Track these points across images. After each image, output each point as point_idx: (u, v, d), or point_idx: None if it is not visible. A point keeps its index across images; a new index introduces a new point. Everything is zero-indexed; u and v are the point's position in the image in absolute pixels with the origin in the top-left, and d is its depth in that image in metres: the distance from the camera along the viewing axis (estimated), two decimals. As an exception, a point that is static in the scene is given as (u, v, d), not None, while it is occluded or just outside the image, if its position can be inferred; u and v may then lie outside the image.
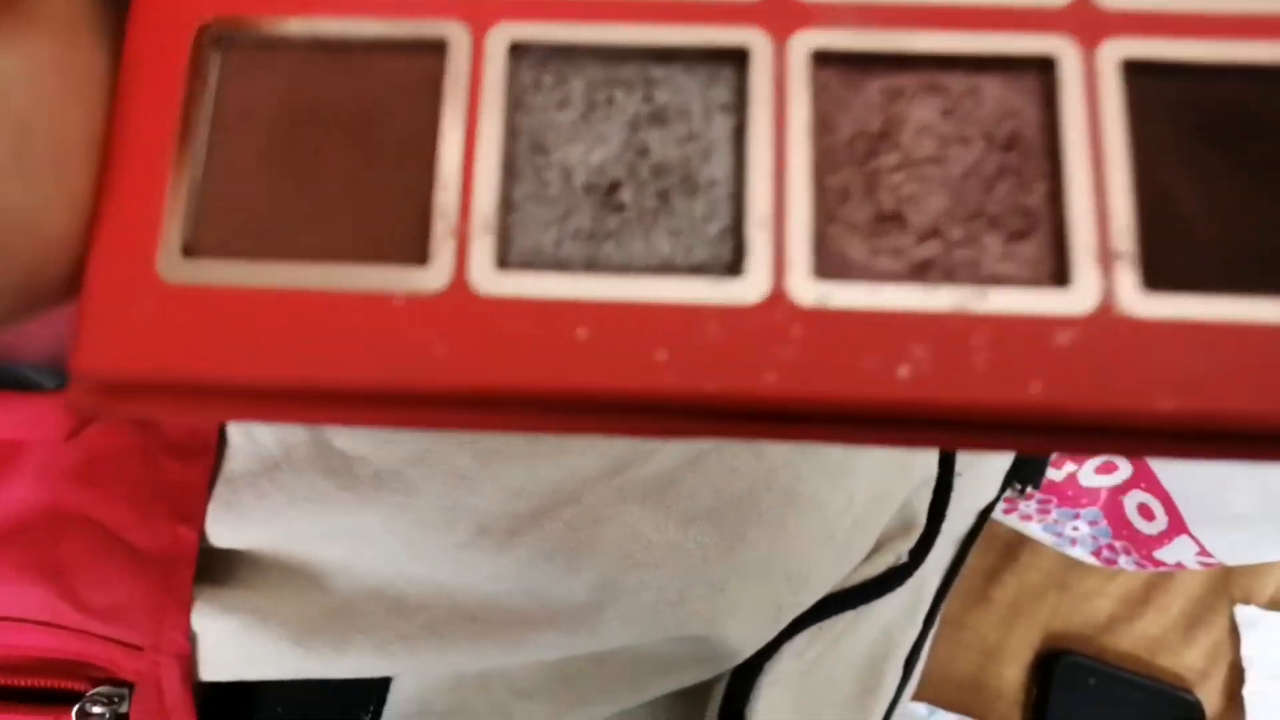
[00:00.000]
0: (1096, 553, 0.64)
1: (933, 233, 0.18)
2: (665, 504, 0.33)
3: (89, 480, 0.29)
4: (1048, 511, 0.62)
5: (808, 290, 0.17)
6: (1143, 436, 0.17)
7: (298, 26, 0.19)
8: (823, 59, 0.18)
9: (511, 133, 0.18)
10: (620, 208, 0.18)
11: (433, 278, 0.17)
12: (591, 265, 0.18)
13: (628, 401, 0.17)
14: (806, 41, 0.18)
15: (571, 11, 0.19)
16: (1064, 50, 0.18)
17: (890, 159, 0.18)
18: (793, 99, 0.18)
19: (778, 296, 0.17)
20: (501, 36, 0.18)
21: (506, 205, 0.18)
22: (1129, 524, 0.62)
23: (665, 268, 0.18)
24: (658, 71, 0.19)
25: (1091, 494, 0.63)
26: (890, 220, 0.18)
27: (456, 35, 0.18)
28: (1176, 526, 0.59)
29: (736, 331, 0.17)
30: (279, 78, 0.19)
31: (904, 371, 0.17)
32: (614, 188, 0.18)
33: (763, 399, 0.17)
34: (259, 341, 0.17)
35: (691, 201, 0.18)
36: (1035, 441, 0.17)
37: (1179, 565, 0.62)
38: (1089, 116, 0.18)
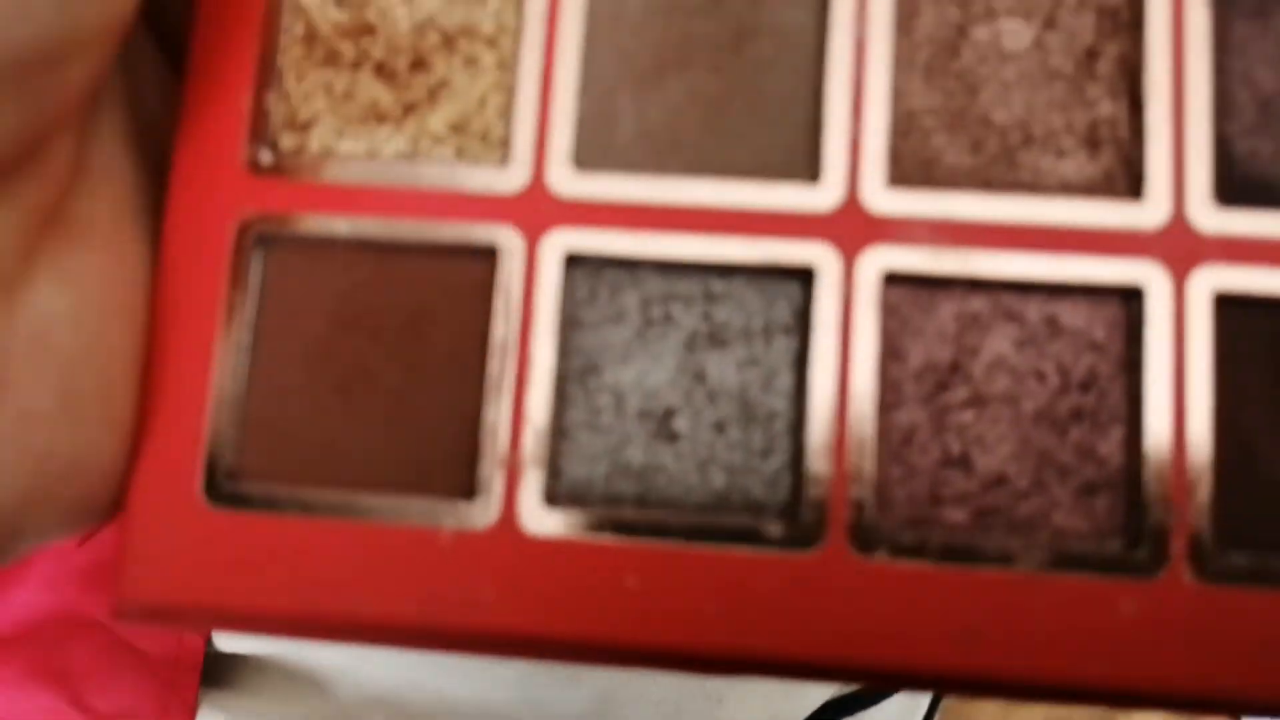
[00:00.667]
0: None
1: (999, 480, 0.17)
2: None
3: (98, 584, 0.29)
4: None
5: (871, 550, 0.17)
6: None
7: (344, 226, 0.18)
8: (893, 279, 0.17)
9: (564, 351, 0.18)
10: (674, 438, 0.17)
11: (480, 514, 0.17)
12: (643, 502, 0.17)
13: (675, 653, 0.17)
14: (877, 260, 0.17)
15: (630, 220, 0.18)
16: (1153, 278, 0.17)
17: (960, 393, 0.17)
18: (859, 323, 0.17)
19: (837, 551, 0.17)
20: (556, 245, 0.18)
21: (557, 433, 0.17)
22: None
23: (720, 506, 0.17)
24: (718, 285, 0.18)
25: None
26: (957, 465, 0.17)
27: (509, 242, 0.18)
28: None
29: (795, 585, 0.17)
30: (323, 279, 0.18)
31: (957, 634, 0.16)
32: (668, 415, 0.17)
33: (810, 655, 0.16)
34: (303, 573, 0.17)
35: (749, 434, 0.17)
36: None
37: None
38: (1175, 355, 0.17)
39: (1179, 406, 0.17)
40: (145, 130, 0.19)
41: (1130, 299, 0.17)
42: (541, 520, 0.17)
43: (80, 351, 0.16)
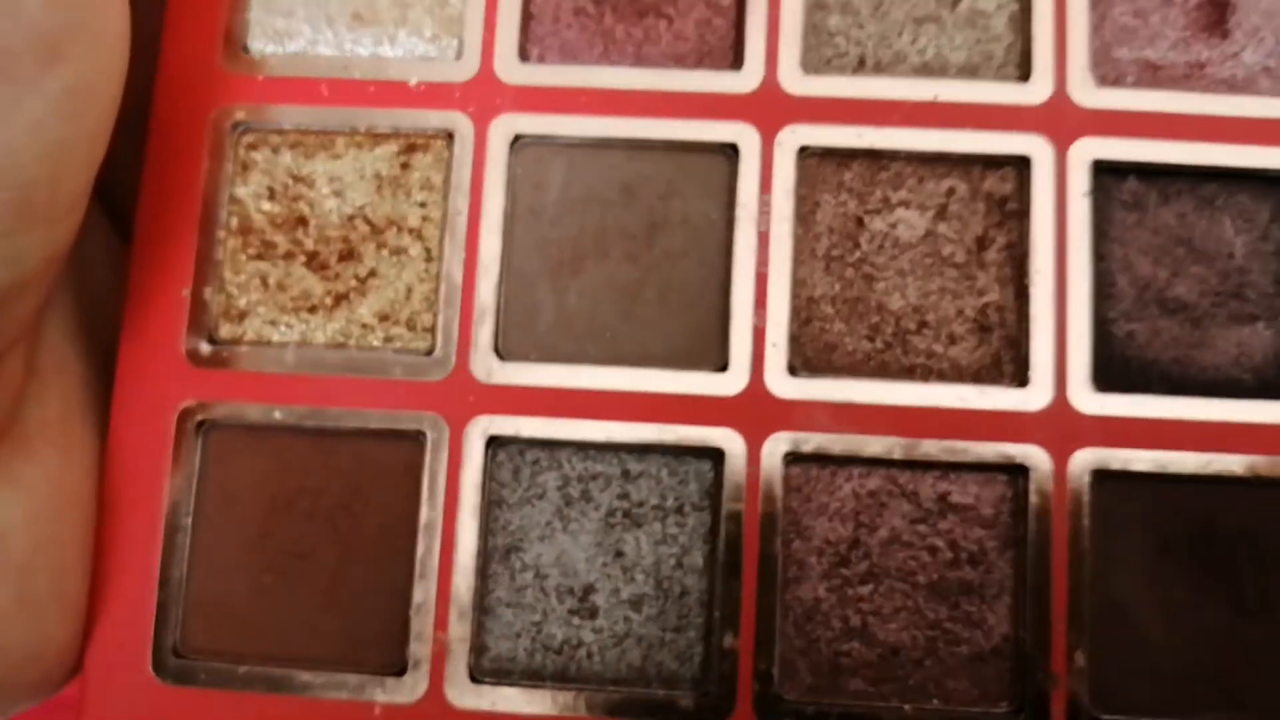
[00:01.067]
0: None
1: (895, 651, 0.18)
2: None
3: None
4: None
5: (775, 718, 0.18)
6: None
7: (279, 413, 0.19)
8: (795, 459, 0.19)
9: (487, 531, 0.19)
10: (593, 614, 0.19)
11: (409, 690, 0.18)
12: (564, 677, 0.18)
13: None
14: (780, 442, 0.19)
15: (551, 405, 0.19)
16: (1037, 458, 0.18)
17: (859, 568, 0.19)
18: (765, 504, 0.19)
19: (742, 722, 0.18)
20: (479, 429, 0.19)
21: (481, 611, 0.19)
22: None
23: (640, 679, 0.18)
24: (634, 465, 0.19)
25: None
26: (856, 634, 0.18)
27: (436, 427, 0.19)
28: None
29: (702, 755, 0.18)
30: (261, 462, 0.19)
31: (861, 801, 0.18)
32: (588, 592, 0.19)
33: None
34: (242, 750, 0.18)
35: (664, 609, 0.19)
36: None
37: None
38: (1055, 531, 0.18)
39: (1059, 578, 0.18)
40: (94, 310, 0.20)
41: (1017, 477, 0.19)
42: (467, 696, 0.18)
43: (34, 553, 0.17)
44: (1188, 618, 0.18)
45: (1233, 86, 0.20)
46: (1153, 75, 0.20)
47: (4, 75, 0.14)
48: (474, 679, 0.18)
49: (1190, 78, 0.20)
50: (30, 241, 0.16)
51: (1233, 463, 0.18)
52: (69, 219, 0.16)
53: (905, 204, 0.19)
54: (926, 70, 0.20)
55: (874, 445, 0.19)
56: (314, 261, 0.19)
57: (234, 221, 0.20)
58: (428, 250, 0.19)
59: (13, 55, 0.14)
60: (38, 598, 0.17)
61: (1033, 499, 0.18)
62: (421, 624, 0.18)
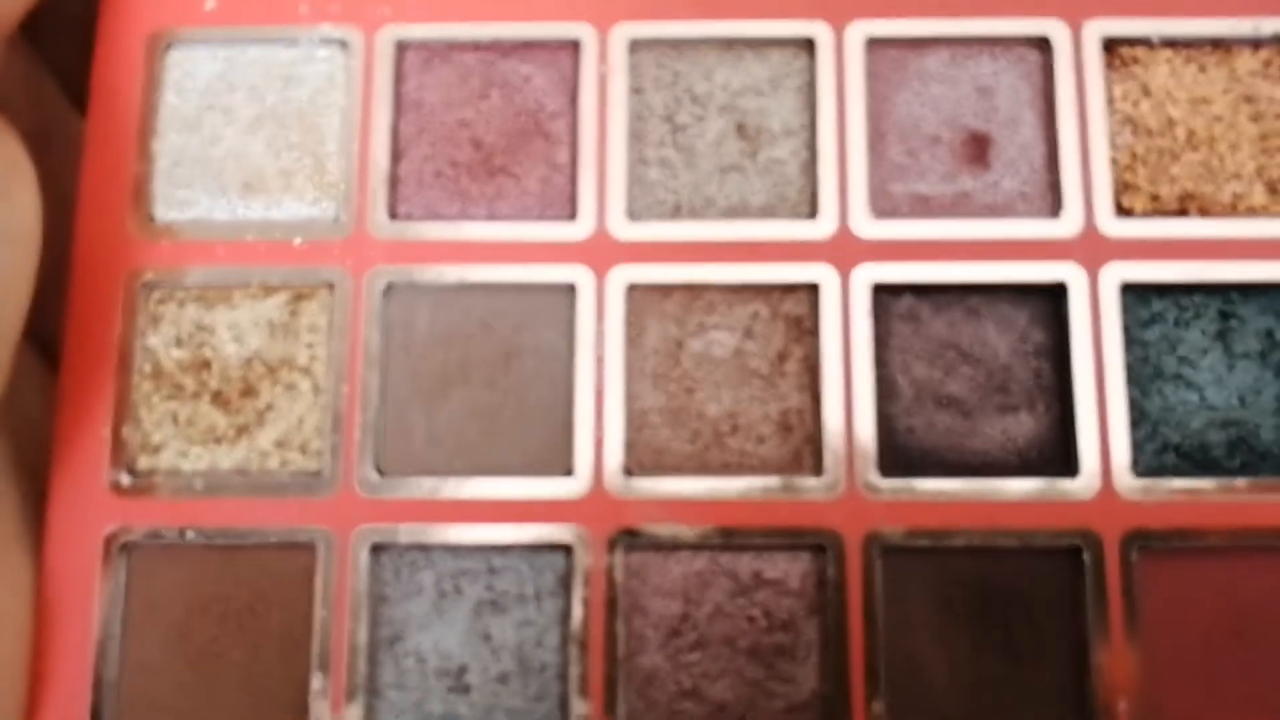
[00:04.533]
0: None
1: (721, 709, 0.22)
2: None
3: None
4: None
5: (619, 767, 0.22)
6: None
7: (191, 533, 0.23)
8: (633, 548, 0.23)
9: (374, 623, 0.22)
10: (467, 690, 0.22)
11: (311, 765, 0.22)
12: (442, 748, 0.22)
13: None
14: (620, 537, 0.22)
15: (424, 513, 0.23)
16: (833, 540, 0.22)
17: (689, 638, 0.22)
18: (609, 585, 0.22)
19: (594, 775, 0.22)
20: (363, 537, 0.23)
21: (370, 692, 0.22)
22: None
23: (504, 746, 0.22)
24: (498, 561, 0.23)
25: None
26: (689, 696, 0.22)
27: (325, 538, 0.23)
28: None
29: (560, 806, 0.22)
30: (177, 575, 0.23)
31: (696, 837, 0.21)
32: (461, 672, 0.22)
33: None
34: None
35: (526, 682, 0.22)
36: None
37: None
38: (850, 598, 0.22)
39: (856, 638, 0.22)
40: (27, 439, 0.23)
41: (819, 553, 0.23)
42: (360, 768, 0.22)
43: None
44: (969, 668, 0.22)
45: (994, 211, 0.24)
46: (924, 205, 0.24)
47: None
48: (366, 753, 0.22)
49: (957, 205, 0.24)
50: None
51: (1002, 534, 0.23)
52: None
53: (717, 326, 0.24)
54: (732, 212, 0.24)
55: (697, 532, 0.23)
56: (218, 399, 0.23)
57: (147, 367, 0.23)
58: (316, 385, 0.23)
59: None
60: None
61: (831, 572, 0.22)
62: (320, 709, 0.22)
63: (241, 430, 0.23)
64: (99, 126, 0.24)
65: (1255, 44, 0.25)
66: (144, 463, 0.23)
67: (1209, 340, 0.24)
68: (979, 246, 0.24)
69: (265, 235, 0.24)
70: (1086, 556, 0.22)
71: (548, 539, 0.23)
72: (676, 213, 0.24)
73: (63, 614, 0.22)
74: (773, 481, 0.23)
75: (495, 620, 0.23)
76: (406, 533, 0.23)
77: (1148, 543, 0.23)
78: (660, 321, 0.24)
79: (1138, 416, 0.23)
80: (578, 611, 0.22)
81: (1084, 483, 0.23)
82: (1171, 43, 0.25)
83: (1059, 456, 0.23)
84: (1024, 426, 0.23)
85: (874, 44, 0.24)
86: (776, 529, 0.23)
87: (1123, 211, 0.24)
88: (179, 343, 0.24)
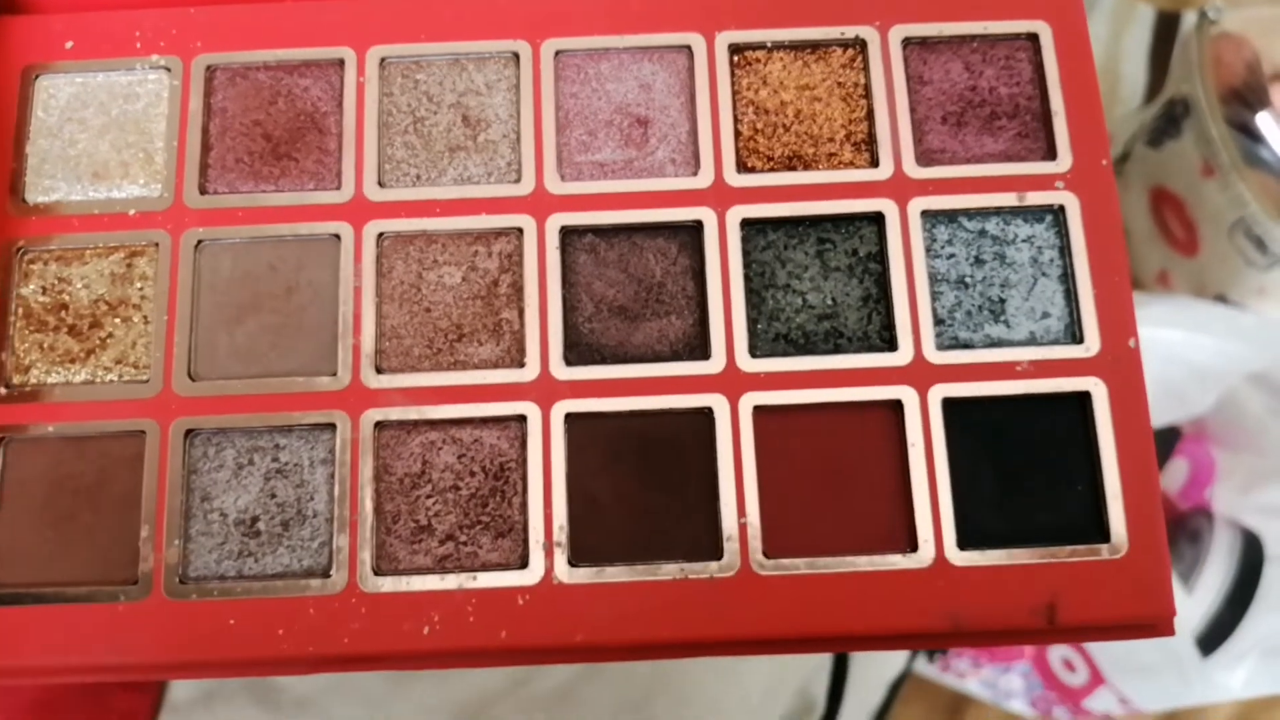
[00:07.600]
0: (1033, 703, 0.66)
1: (449, 537, 0.30)
2: (564, 714, 0.41)
3: (47, 711, 0.39)
4: (980, 667, 0.66)
5: (369, 583, 0.30)
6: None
7: (51, 429, 0.31)
8: (382, 426, 0.31)
9: (187, 489, 0.31)
10: (257, 534, 0.30)
11: (139, 591, 0.30)
12: (240, 575, 0.30)
13: (264, 661, 0.29)
14: (371, 417, 0.31)
15: (226, 407, 0.31)
16: (531, 409, 0.31)
17: (425, 489, 0.31)
18: (362, 455, 0.31)
19: (351, 588, 0.30)
20: (179, 426, 0.31)
21: (185, 538, 0.30)
22: (1054, 676, 0.64)
23: (286, 573, 0.30)
24: (281, 440, 0.31)
25: (1019, 648, 0.64)
26: (424, 530, 0.30)
27: (151, 427, 0.31)
28: (1096, 677, 0.62)
29: (327, 612, 0.29)
30: (43, 460, 0.31)
31: (427, 630, 0.29)
32: (254, 521, 0.30)
33: (342, 656, 0.29)
34: (32, 640, 0.29)
35: (303, 528, 0.30)
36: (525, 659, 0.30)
37: (1106, 715, 0.64)
38: (544, 452, 0.31)
39: (546, 482, 0.30)
40: None
41: (520, 422, 0.31)
42: (178, 591, 0.30)
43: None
44: (636, 500, 0.31)
45: (651, 172, 0.33)
46: (600, 170, 0.33)
47: None
48: (181, 582, 0.30)
49: (624, 169, 0.33)
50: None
51: (656, 400, 0.31)
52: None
53: (447, 263, 0.32)
54: (458, 180, 0.33)
55: (432, 413, 0.31)
56: (72, 331, 0.32)
57: (20, 310, 0.32)
58: (145, 317, 0.32)
59: None
60: None
61: (530, 435, 0.31)
62: (147, 550, 0.30)
63: (90, 353, 0.31)
64: (-16, 137, 0.33)
65: (844, 45, 0.34)
66: (17, 379, 0.31)
67: (810, 259, 0.32)
68: (641, 197, 0.33)
69: (108, 210, 0.32)
70: (719, 416, 0.31)
71: (320, 421, 0.31)
72: (417, 181, 0.33)
73: (-46, 493, 0.30)
74: (489, 374, 0.31)
75: (280, 483, 0.31)
76: (212, 421, 0.31)
77: (762, 406, 0.31)
78: (405, 261, 0.32)
79: (755, 315, 0.32)
80: (341, 474, 0.30)
81: (715, 364, 0.31)
82: (782, 46, 0.34)
83: (700, 346, 0.32)
84: (674, 327, 0.32)
85: (561, 55, 0.34)
86: (490, 407, 0.31)
87: (746, 169, 0.33)
88: (44, 291, 0.32)
